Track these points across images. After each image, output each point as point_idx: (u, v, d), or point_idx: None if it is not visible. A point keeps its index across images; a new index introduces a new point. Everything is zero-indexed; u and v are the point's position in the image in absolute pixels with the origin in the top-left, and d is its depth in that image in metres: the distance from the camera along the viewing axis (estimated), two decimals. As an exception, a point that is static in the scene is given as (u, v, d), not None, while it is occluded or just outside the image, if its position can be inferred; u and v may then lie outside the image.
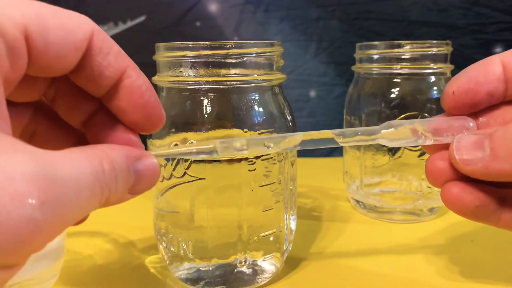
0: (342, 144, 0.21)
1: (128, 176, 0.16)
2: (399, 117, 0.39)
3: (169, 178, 0.28)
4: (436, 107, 0.39)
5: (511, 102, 0.21)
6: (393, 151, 0.40)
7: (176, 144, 0.27)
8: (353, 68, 0.43)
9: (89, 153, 0.14)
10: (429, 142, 0.21)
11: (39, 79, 0.17)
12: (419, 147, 0.39)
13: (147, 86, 0.18)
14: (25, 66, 0.14)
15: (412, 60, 0.39)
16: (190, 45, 0.26)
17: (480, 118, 0.21)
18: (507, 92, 0.20)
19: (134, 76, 0.17)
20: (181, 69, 0.27)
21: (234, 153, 0.20)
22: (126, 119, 0.18)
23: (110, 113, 0.18)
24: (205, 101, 0.27)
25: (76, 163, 0.13)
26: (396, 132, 0.21)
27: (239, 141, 0.20)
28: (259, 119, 0.28)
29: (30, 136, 0.18)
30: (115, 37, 0.62)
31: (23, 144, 0.12)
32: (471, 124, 0.21)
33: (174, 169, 0.27)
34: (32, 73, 0.15)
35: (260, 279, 0.30)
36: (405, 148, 0.39)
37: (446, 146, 0.21)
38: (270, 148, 0.21)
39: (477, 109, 0.21)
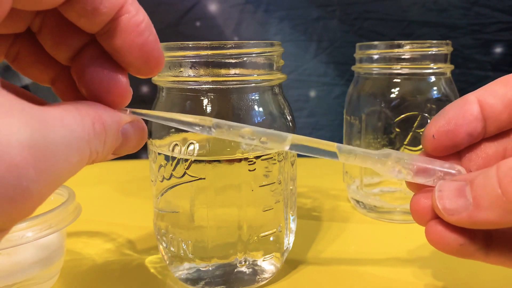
0: (340, 159, 0.22)
1: (116, 140, 0.16)
2: (399, 117, 0.39)
3: (169, 178, 0.28)
4: (436, 107, 0.39)
5: (491, 138, 0.21)
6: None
7: (176, 144, 0.27)
8: (353, 68, 0.43)
9: (82, 112, 0.14)
10: (410, 179, 0.21)
11: (25, 11, 0.16)
12: (420, 147, 0.39)
13: (146, 24, 0.16)
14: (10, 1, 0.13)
15: (412, 60, 0.39)
16: (190, 45, 0.26)
17: (462, 156, 0.22)
18: (486, 130, 0.21)
19: (133, 11, 0.16)
20: (181, 69, 0.27)
21: (229, 137, 0.20)
22: (121, 60, 0.16)
23: (100, 48, 0.17)
24: (205, 101, 0.27)
25: (69, 125, 0.13)
26: (382, 168, 0.22)
27: (242, 128, 0.20)
28: (259, 119, 0.28)
29: (13, 58, 0.17)
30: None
31: (17, 103, 0.12)
32: (453, 172, 0.20)
33: (174, 169, 0.27)
34: (18, 6, 0.14)
35: (260, 279, 0.30)
36: (405, 148, 0.39)
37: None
38: (266, 144, 0.21)
39: (458, 149, 0.21)
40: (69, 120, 0.13)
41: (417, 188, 0.22)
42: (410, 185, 0.22)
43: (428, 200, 0.20)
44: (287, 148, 0.21)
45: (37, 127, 0.12)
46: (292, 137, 0.21)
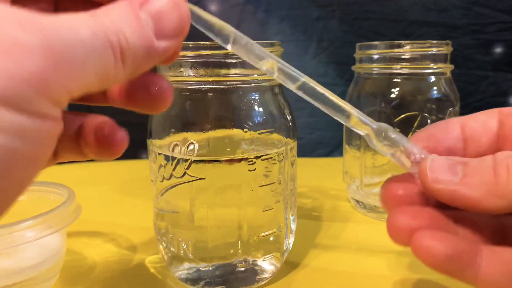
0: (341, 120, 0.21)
1: (136, 23, 0.14)
2: (399, 117, 0.39)
3: (169, 178, 0.28)
4: (436, 107, 0.39)
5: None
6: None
7: (176, 144, 0.27)
8: (353, 68, 0.43)
9: (97, 23, 0.13)
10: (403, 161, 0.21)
11: None
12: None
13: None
14: None
15: (412, 60, 0.39)
16: (190, 45, 0.26)
17: None
18: (466, 151, 0.21)
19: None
20: (181, 69, 0.27)
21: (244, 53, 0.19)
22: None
23: None
24: (205, 101, 0.27)
25: (83, 34, 0.12)
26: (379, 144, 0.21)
27: (255, 45, 0.19)
28: (259, 119, 0.28)
29: None
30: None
31: (25, 12, 0.12)
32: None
33: (174, 169, 0.27)
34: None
35: (260, 279, 0.30)
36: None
37: (406, 201, 0.20)
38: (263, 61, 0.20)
39: None
40: (82, 31, 0.13)
41: (391, 202, 0.21)
42: (384, 200, 0.21)
43: (405, 217, 0.19)
44: (293, 88, 0.20)
45: (48, 33, 0.12)
46: (303, 81, 0.20)
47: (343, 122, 0.21)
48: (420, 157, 0.20)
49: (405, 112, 0.39)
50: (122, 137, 0.18)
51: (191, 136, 0.27)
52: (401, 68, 0.39)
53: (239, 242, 0.28)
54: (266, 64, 0.19)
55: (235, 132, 0.27)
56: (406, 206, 0.20)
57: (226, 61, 0.26)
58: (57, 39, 0.12)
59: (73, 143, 0.18)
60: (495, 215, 0.19)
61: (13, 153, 0.11)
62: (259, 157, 0.27)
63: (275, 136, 0.28)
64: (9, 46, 0.11)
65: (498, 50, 0.70)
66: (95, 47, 0.13)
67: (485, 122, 0.20)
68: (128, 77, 0.15)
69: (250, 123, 0.27)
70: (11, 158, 0.11)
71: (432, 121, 0.39)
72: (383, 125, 0.21)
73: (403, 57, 0.39)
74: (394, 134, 0.21)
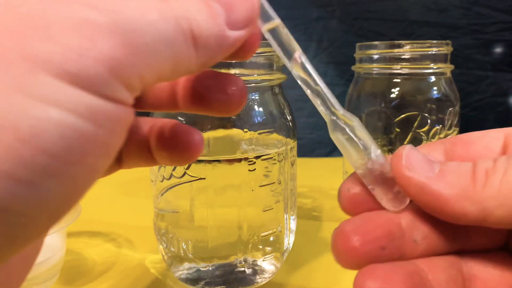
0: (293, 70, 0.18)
1: (208, 10, 0.13)
2: (399, 117, 0.39)
3: (169, 178, 0.28)
4: (436, 107, 0.39)
5: None
6: (392, 151, 0.40)
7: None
8: (353, 68, 0.43)
9: (168, 8, 0.12)
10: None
11: None
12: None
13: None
14: None
15: (412, 60, 0.38)
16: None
17: None
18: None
19: None
20: (181, 69, 0.27)
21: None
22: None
23: None
24: (205, 101, 0.27)
25: (149, 12, 0.12)
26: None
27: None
28: (259, 119, 0.28)
29: None
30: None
31: None
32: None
33: (174, 169, 0.27)
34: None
35: (260, 279, 0.30)
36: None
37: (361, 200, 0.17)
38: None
39: None
40: (151, 14, 0.12)
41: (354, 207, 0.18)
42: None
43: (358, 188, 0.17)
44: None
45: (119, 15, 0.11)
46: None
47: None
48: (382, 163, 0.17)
49: (405, 112, 0.39)
50: (199, 139, 0.17)
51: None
52: (401, 68, 0.39)
53: (239, 242, 0.28)
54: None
55: (235, 132, 0.27)
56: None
57: (226, 61, 0.26)
58: (127, 20, 0.11)
59: (141, 148, 0.17)
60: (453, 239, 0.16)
61: (86, 137, 0.11)
62: (259, 157, 0.27)
63: (275, 136, 0.28)
64: (80, 26, 0.10)
65: (498, 50, 0.70)
66: (166, 31, 0.12)
67: (428, 155, 0.17)
68: (200, 67, 0.14)
69: (250, 123, 0.27)
70: (85, 143, 0.11)
71: (432, 121, 0.39)
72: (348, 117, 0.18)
73: (403, 57, 0.39)
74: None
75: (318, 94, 0.18)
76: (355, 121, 0.17)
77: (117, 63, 0.11)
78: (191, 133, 0.17)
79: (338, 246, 0.17)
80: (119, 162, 0.18)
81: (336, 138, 0.18)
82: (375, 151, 0.17)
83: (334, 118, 0.18)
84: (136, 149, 0.17)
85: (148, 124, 0.18)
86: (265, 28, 0.17)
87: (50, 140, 0.10)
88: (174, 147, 0.17)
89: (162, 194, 0.29)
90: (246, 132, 0.27)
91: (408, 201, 0.17)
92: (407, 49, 0.39)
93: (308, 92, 0.18)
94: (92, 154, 0.11)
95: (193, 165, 0.27)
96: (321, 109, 0.18)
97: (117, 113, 0.11)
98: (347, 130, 0.17)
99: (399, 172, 0.16)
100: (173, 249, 0.29)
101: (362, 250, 0.17)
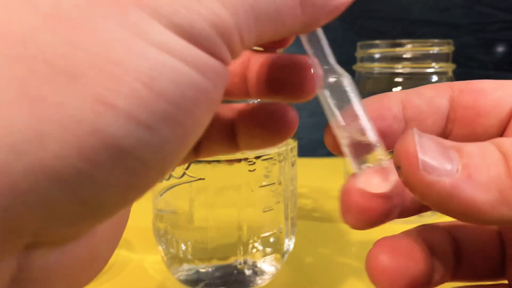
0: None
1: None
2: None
3: (168, 178, 0.28)
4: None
5: None
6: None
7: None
8: (354, 67, 0.43)
9: None
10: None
11: None
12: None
13: None
14: None
15: (414, 59, 0.38)
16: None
17: None
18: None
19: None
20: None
21: None
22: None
23: None
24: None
25: None
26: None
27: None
28: (259, 118, 0.27)
29: None
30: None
31: None
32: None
33: (173, 169, 0.27)
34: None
35: (260, 281, 0.29)
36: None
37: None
38: None
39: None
40: None
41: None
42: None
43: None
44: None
45: None
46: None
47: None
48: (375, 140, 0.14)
49: (407, 112, 0.38)
50: (294, 115, 0.17)
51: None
52: (403, 67, 0.38)
53: (239, 243, 0.28)
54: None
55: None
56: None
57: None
58: None
59: (223, 134, 0.17)
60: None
61: (197, 87, 0.11)
62: (259, 157, 0.27)
63: (275, 136, 0.28)
64: None
65: (500, 49, 0.70)
66: None
67: (432, 100, 0.16)
68: (303, 28, 0.13)
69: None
70: (196, 92, 0.11)
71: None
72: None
73: (404, 56, 0.38)
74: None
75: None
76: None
77: (221, 22, 0.11)
78: (287, 110, 0.17)
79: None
80: (197, 150, 0.18)
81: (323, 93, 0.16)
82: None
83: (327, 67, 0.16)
84: (217, 135, 0.17)
85: (230, 109, 0.17)
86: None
87: (167, 85, 0.10)
88: (269, 126, 0.17)
89: (161, 195, 0.29)
90: (246, 132, 0.27)
91: (395, 178, 0.14)
92: (408, 48, 0.38)
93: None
94: (201, 106, 0.11)
95: (192, 166, 0.27)
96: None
97: (220, 70, 0.11)
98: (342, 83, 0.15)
99: (415, 177, 0.12)
100: (172, 250, 0.29)
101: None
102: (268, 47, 0.17)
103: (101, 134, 0.09)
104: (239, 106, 0.18)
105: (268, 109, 0.17)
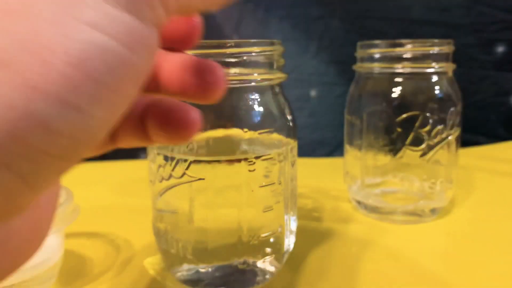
0: None
1: None
2: (401, 117, 0.39)
3: (168, 179, 0.28)
4: (437, 107, 0.38)
5: None
6: (394, 151, 0.40)
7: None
8: (354, 67, 0.43)
9: None
10: None
11: None
12: (422, 147, 0.39)
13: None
14: None
15: (414, 59, 0.38)
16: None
17: None
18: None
19: None
20: (180, 68, 0.26)
21: None
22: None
23: None
24: (205, 101, 0.26)
25: None
26: None
27: None
28: (259, 118, 0.27)
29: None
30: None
31: None
32: None
33: (173, 170, 0.27)
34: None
35: (260, 280, 0.29)
36: (406, 148, 0.39)
37: None
38: None
39: None
40: None
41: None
42: None
43: None
44: None
45: None
46: None
47: None
48: None
49: (407, 112, 0.38)
50: (195, 117, 0.17)
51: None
52: (403, 67, 0.38)
53: (239, 243, 0.28)
54: None
55: (235, 132, 0.27)
56: None
57: (226, 60, 0.26)
58: None
59: (136, 126, 0.17)
60: None
61: (124, 62, 0.11)
62: (259, 157, 0.27)
63: (275, 136, 0.28)
64: None
65: (500, 49, 0.70)
66: None
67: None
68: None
69: (250, 123, 0.27)
70: (123, 68, 0.11)
71: (434, 121, 0.38)
72: None
73: (404, 56, 0.38)
74: None
75: None
76: None
77: None
78: (188, 111, 0.17)
79: None
80: (114, 139, 0.18)
81: None
82: None
83: None
84: (131, 127, 0.17)
85: (144, 100, 0.17)
86: None
87: (96, 65, 0.10)
88: (170, 125, 0.17)
89: (161, 195, 0.29)
90: (246, 132, 0.27)
91: None
92: (408, 48, 0.38)
93: None
94: (129, 80, 0.12)
95: (192, 166, 0.26)
96: None
97: (148, 37, 0.12)
98: None
99: None
100: (172, 250, 0.29)
101: None
102: (178, 47, 0.17)
103: (33, 118, 0.10)
104: (148, 98, 0.18)
105: (171, 106, 0.17)
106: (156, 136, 0.17)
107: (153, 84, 0.17)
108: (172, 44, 0.17)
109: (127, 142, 0.18)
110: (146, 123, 0.17)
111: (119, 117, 0.12)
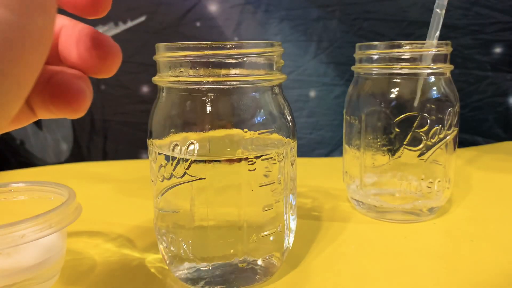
0: None
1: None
2: (399, 118, 0.39)
3: (169, 178, 0.28)
4: (435, 107, 0.39)
5: None
6: (392, 151, 0.40)
7: (176, 144, 0.27)
8: (353, 68, 0.43)
9: None
10: None
11: None
12: (420, 147, 0.39)
13: None
14: None
15: (412, 60, 0.39)
16: (190, 46, 0.26)
17: None
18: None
19: None
20: (181, 69, 0.27)
21: None
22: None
23: None
24: (205, 101, 0.27)
25: None
26: None
27: None
28: (259, 119, 0.28)
29: None
30: (115, 37, 0.62)
31: None
32: None
33: (174, 169, 0.27)
34: None
35: (260, 279, 0.30)
36: (405, 148, 0.39)
37: None
38: None
39: None
40: None
41: None
42: None
43: None
44: None
45: None
46: None
47: None
48: None
49: (405, 112, 0.39)
50: (79, 89, 0.16)
51: (191, 136, 0.27)
52: (401, 68, 0.39)
53: (239, 241, 0.28)
54: None
55: (235, 132, 0.27)
56: None
57: (226, 61, 0.26)
58: None
59: (43, 97, 0.17)
60: None
61: (21, 31, 0.11)
62: (259, 157, 0.27)
63: (275, 136, 0.28)
64: None
65: (498, 50, 0.70)
66: None
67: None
68: None
69: (250, 123, 0.27)
70: (21, 37, 0.11)
71: (432, 121, 0.39)
72: None
73: (402, 57, 0.39)
74: None
75: None
76: None
77: None
78: (73, 82, 0.17)
79: None
80: (32, 110, 0.17)
81: None
82: None
83: None
84: (41, 98, 0.17)
85: (50, 72, 0.17)
86: None
87: None
88: (56, 97, 0.17)
89: (162, 194, 0.29)
90: (246, 132, 0.27)
91: None
92: (406, 49, 0.39)
93: None
94: (29, 49, 0.11)
95: (193, 165, 0.27)
96: None
97: (41, 1, 0.11)
98: None
99: None
100: (173, 249, 0.29)
101: None
102: (82, 14, 0.17)
103: None
104: (52, 70, 0.17)
105: (63, 78, 0.17)
106: (52, 107, 0.17)
107: (53, 55, 0.17)
108: (76, 11, 0.17)
109: (44, 114, 0.18)
110: (44, 95, 0.17)
111: (25, 88, 0.12)
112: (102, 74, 0.17)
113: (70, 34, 0.17)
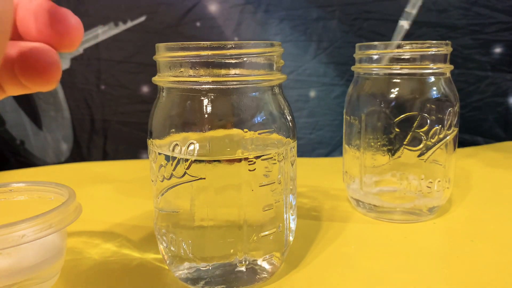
0: None
1: None
2: (399, 118, 0.39)
3: (169, 178, 0.28)
4: (435, 107, 0.39)
5: None
6: (392, 151, 0.40)
7: (176, 144, 0.27)
8: (353, 68, 0.43)
9: None
10: None
11: None
12: (420, 147, 0.39)
13: None
14: None
15: (412, 60, 0.39)
16: (190, 46, 0.26)
17: None
18: None
19: None
20: (182, 69, 0.27)
21: None
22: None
23: None
24: (205, 101, 0.27)
25: None
26: None
27: None
28: (259, 119, 0.28)
29: None
30: (115, 37, 0.62)
31: None
32: None
33: (174, 169, 0.27)
34: None
35: (260, 279, 0.30)
36: (404, 148, 0.39)
37: None
38: None
39: None
40: None
41: None
42: None
43: None
44: None
45: None
46: None
47: None
48: None
49: (405, 112, 0.39)
50: (49, 59, 0.17)
51: (191, 136, 0.27)
52: (401, 68, 0.39)
53: (239, 241, 0.28)
54: None
55: (235, 132, 0.27)
56: None
57: (226, 61, 0.26)
58: None
59: (11, 73, 0.17)
60: None
61: None
62: (259, 157, 0.27)
63: (275, 136, 0.28)
64: None
65: (498, 50, 0.70)
66: None
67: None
68: None
69: (250, 123, 0.27)
70: None
71: (432, 121, 0.39)
72: None
73: (402, 57, 0.39)
74: None
75: None
76: None
77: None
78: (42, 54, 0.17)
79: None
80: (1, 87, 0.18)
81: None
82: None
83: None
84: (9, 75, 0.17)
85: (17, 46, 0.17)
86: None
87: None
88: (28, 69, 0.17)
89: (162, 194, 0.29)
90: (246, 132, 0.27)
91: None
92: (406, 50, 0.39)
93: None
94: None
95: (193, 165, 0.27)
96: None
97: None
98: None
99: None
100: (173, 249, 0.29)
101: None
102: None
103: None
104: (19, 45, 0.17)
105: (27, 49, 0.17)
106: (24, 81, 0.17)
107: (12, 31, 0.17)
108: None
109: (14, 90, 0.18)
110: (14, 70, 0.17)
111: None
112: (64, 49, 0.17)
113: (27, 9, 0.17)
